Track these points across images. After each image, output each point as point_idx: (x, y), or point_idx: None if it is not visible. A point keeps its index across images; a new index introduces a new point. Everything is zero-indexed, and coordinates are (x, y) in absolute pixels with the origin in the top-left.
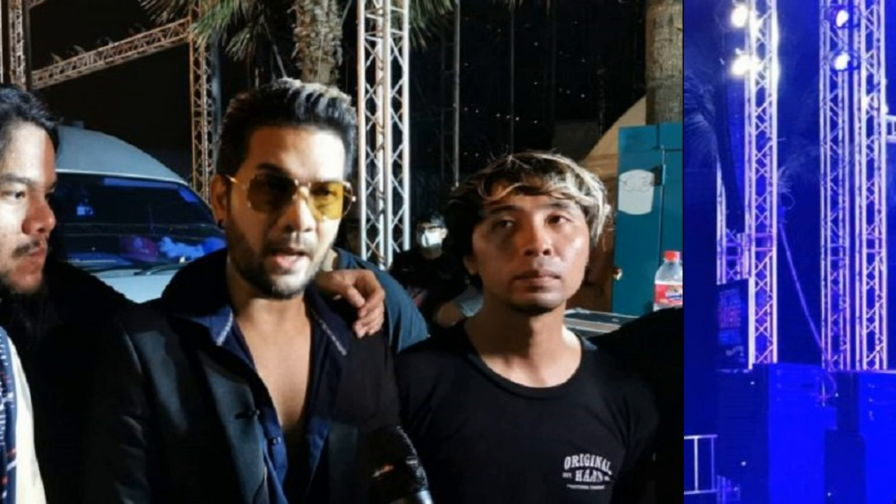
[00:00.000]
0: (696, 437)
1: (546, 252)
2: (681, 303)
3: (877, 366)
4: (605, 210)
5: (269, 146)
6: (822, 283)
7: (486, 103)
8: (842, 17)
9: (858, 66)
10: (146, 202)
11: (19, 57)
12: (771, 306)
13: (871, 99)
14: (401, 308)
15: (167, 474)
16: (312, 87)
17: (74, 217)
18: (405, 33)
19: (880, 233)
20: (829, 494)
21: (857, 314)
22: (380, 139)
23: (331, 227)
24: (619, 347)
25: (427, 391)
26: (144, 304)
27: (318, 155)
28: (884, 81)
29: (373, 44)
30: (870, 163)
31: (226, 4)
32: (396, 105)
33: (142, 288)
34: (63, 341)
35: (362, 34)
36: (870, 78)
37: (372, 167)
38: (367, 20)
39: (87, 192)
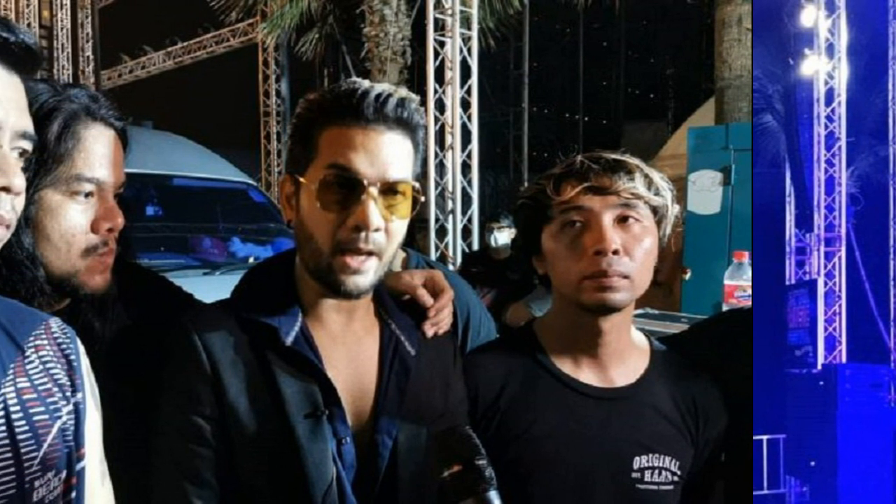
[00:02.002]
0: (765, 437)
1: (615, 252)
2: (750, 303)
3: None
4: (673, 210)
5: (338, 146)
6: (891, 282)
7: (555, 103)
8: None
9: None
10: (215, 202)
11: (88, 57)
12: (840, 306)
13: None
14: (469, 308)
15: (236, 474)
16: (381, 87)
17: (143, 217)
18: (474, 33)
19: None
20: None
21: None
22: (449, 139)
23: (400, 226)
24: (687, 347)
25: (496, 391)
26: (213, 304)
27: (387, 155)
28: None
29: (442, 44)
30: None
31: (295, 4)
32: (465, 105)
33: (211, 288)
34: (132, 341)
35: (431, 34)
36: None
37: (441, 167)
38: (436, 20)
39: (156, 191)
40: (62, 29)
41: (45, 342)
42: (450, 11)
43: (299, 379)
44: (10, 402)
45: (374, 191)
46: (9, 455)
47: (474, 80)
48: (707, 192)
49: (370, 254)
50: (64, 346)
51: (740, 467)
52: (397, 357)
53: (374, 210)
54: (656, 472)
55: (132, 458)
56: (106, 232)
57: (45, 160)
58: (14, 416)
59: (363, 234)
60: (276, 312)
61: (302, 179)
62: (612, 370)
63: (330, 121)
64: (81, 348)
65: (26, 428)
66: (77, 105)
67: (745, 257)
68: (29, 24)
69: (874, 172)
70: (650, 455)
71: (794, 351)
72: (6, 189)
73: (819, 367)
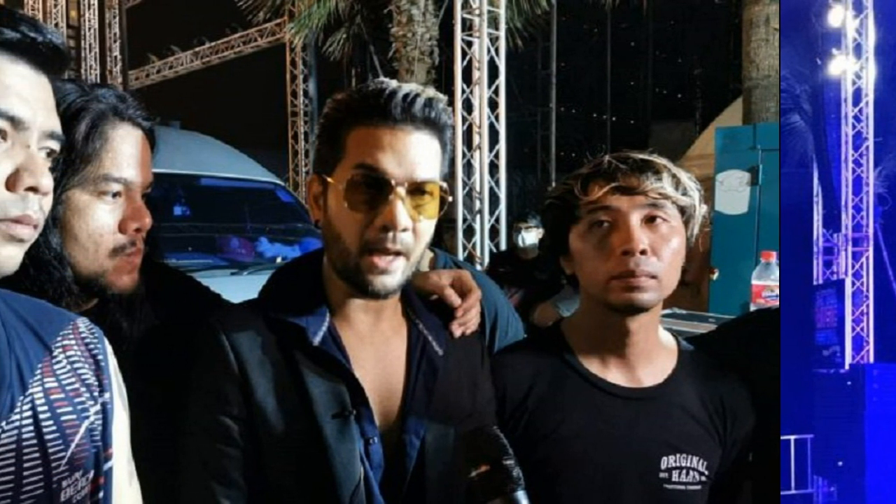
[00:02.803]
0: (792, 437)
1: (643, 252)
2: (777, 303)
3: None
4: (701, 210)
5: (366, 146)
6: None
7: (583, 103)
8: None
9: None
10: (243, 202)
11: (116, 57)
12: (867, 306)
13: None
14: (497, 308)
15: (263, 474)
16: (409, 87)
17: (171, 217)
18: (502, 33)
19: None
20: None
21: None
22: (476, 139)
23: (427, 227)
24: (715, 347)
25: (524, 391)
26: (241, 304)
27: (415, 155)
28: None
29: (469, 44)
30: None
31: (322, 4)
32: (493, 105)
33: (238, 288)
34: (160, 341)
35: (459, 34)
36: None
37: (468, 167)
38: (463, 20)
39: (184, 191)
40: (90, 29)
41: (73, 342)
42: (477, 11)
43: (327, 379)
44: (37, 402)
45: (401, 191)
46: (36, 455)
47: (502, 80)
48: (735, 192)
49: (398, 254)
50: (91, 346)
51: (768, 467)
52: (425, 357)
53: (402, 210)
54: (684, 472)
55: (160, 458)
56: (133, 232)
57: (73, 160)
58: (42, 417)
59: (391, 234)
60: (303, 312)
61: (329, 179)
62: (640, 370)
63: (357, 121)
64: (109, 348)
65: (54, 428)
66: (105, 105)
67: (773, 257)
68: (56, 24)
69: None
70: (678, 455)
71: (822, 351)
72: (34, 189)
73: (847, 367)
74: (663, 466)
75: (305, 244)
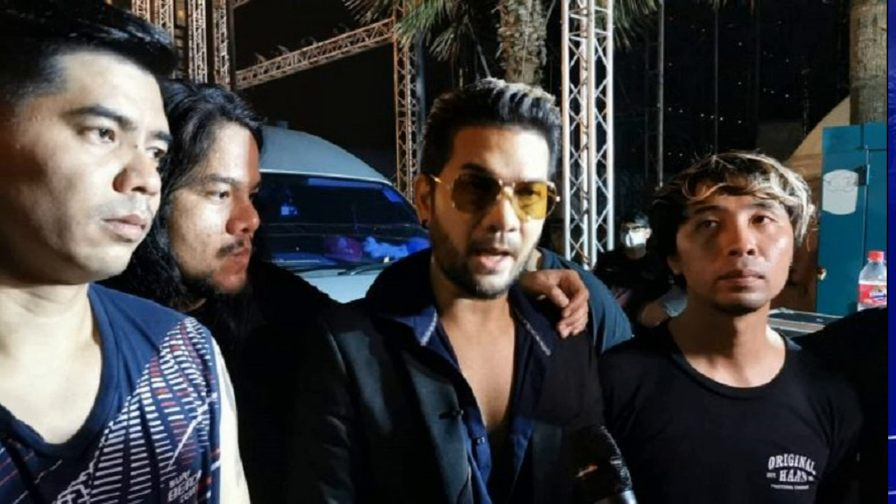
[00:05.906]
0: None
1: (750, 252)
2: (885, 303)
3: None
4: (808, 210)
5: (474, 146)
6: None
7: (690, 103)
8: None
9: None
10: (350, 202)
11: (223, 57)
12: None
13: None
14: (605, 308)
15: (371, 474)
16: (516, 87)
17: (278, 217)
18: (609, 33)
19: None
20: None
21: None
22: (584, 139)
23: (535, 227)
24: (823, 347)
25: (631, 391)
26: (348, 304)
27: (523, 155)
28: None
29: (577, 44)
30: None
31: (430, 4)
32: (600, 105)
33: (346, 288)
34: (267, 341)
35: (566, 34)
36: None
37: (576, 167)
38: (571, 20)
39: (291, 191)
40: (197, 29)
41: (181, 342)
42: (585, 11)
43: (434, 379)
44: (145, 402)
45: (509, 191)
46: (144, 455)
47: (609, 80)
48: (842, 192)
49: (505, 254)
50: (199, 345)
51: (875, 467)
52: (532, 357)
53: (510, 210)
54: (791, 472)
55: (267, 457)
56: (241, 232)
57: (181, 160)
58: (149, 416)
59: (498, 234)
60: (411, 312)
61: (437, 179)
62: (748, 370)
63: (465, 121)
64: (216, 348)
65: (161, 428)
66: (212, 105)
67: (881, 257)
68: (164, 24)
69: None
70: (785, 455)
71: None
72: (142, 189)
73: None
74: (771, 466)
75: (413, 244)
